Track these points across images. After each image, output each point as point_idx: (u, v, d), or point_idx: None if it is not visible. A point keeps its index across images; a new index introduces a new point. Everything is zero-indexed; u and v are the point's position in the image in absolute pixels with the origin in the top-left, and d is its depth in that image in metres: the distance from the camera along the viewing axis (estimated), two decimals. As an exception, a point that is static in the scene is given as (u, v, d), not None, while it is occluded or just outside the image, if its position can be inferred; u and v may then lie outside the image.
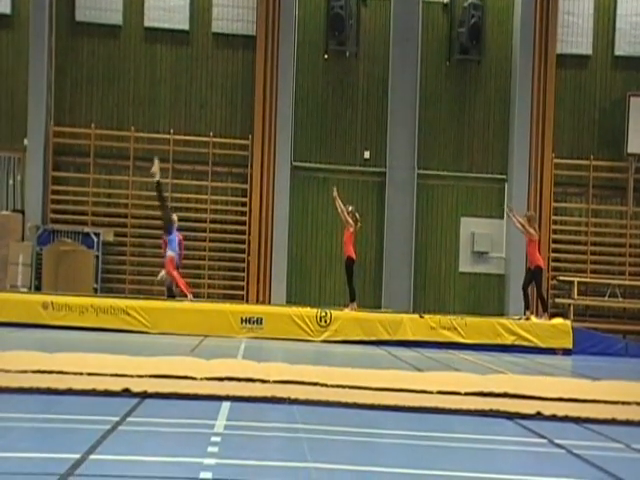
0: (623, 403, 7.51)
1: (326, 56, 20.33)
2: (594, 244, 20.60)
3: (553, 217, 20.41)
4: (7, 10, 19.71)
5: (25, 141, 19.49)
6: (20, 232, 18.82)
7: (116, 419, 5.70)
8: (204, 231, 19.77)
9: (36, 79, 19.30)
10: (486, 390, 7.62)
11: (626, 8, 20.82)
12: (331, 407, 6.68)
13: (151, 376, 7.44)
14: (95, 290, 18.41)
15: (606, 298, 19.98)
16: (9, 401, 6.33)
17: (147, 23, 20.06)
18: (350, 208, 16.16)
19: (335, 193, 16.17)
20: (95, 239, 18.57)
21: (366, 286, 20.01)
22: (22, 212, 19.15)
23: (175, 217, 16.72)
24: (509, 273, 20.20)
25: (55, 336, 13.01)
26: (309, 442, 5.40)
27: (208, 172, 19.92)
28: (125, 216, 19.62)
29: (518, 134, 20.20)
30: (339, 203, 16.10)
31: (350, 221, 15.95)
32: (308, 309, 15.12)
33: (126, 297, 16.87)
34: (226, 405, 6.52)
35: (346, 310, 15.73)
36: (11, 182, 19.59)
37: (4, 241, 18.65)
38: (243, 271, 19.88)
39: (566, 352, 14.90)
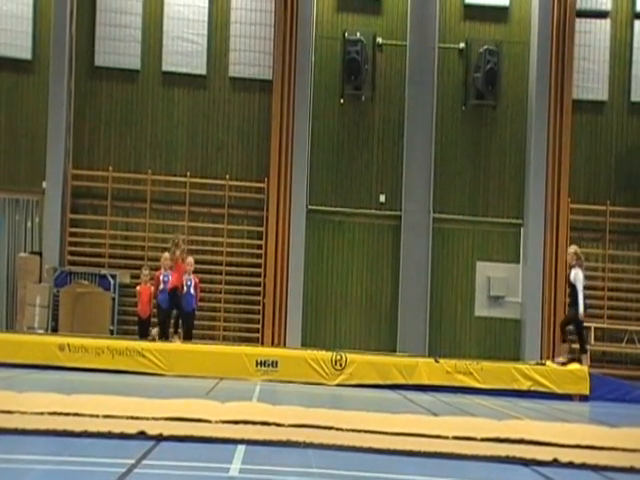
0: (642, 450, 7.41)
1: (342, 100, 20.51)
2: (611, 289, 20.51)
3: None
4: (28, 56, 20.06)
5: (44, 184, 19.70)
6: (37, 274, 18.93)
7: (131, 462, 5.68)
8: (220, 273, 19.83)
9: (55, 123, 19.55)
10: (502, 436, 7.54)
11: (641, 55, 20.98)
12: (346, 451, 6.63)
13: (167, 419, 7.42)
14: (111, 332, 18.45)
15: (623, 344, 19.84)
16: (25, 443, 6.32)
17: (165, 67, 20.35)
18: None
19: None
20: (112, 281, 18.65)
21: (381, 329, 19.99)
22: (40, 254, 19.28)
23: (191, 259, 16.75)
24: (525, 318, 20.11)
25: (71, 378, 13.01)
26: (324, 487, 5.37)
27: (224, 215, 20.04)
28: (142, 258, 19.70)
29: (534, 179, 20.23)
30: None
31: None
32: (323, 352, 15.07)
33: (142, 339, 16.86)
34: (241, 448, 6.48)
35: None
36: (29, 224, 19.78)
37: (22, 282, 18.78)
38: (258, 313, 19.89)
39: (583, 398, 14.73)
